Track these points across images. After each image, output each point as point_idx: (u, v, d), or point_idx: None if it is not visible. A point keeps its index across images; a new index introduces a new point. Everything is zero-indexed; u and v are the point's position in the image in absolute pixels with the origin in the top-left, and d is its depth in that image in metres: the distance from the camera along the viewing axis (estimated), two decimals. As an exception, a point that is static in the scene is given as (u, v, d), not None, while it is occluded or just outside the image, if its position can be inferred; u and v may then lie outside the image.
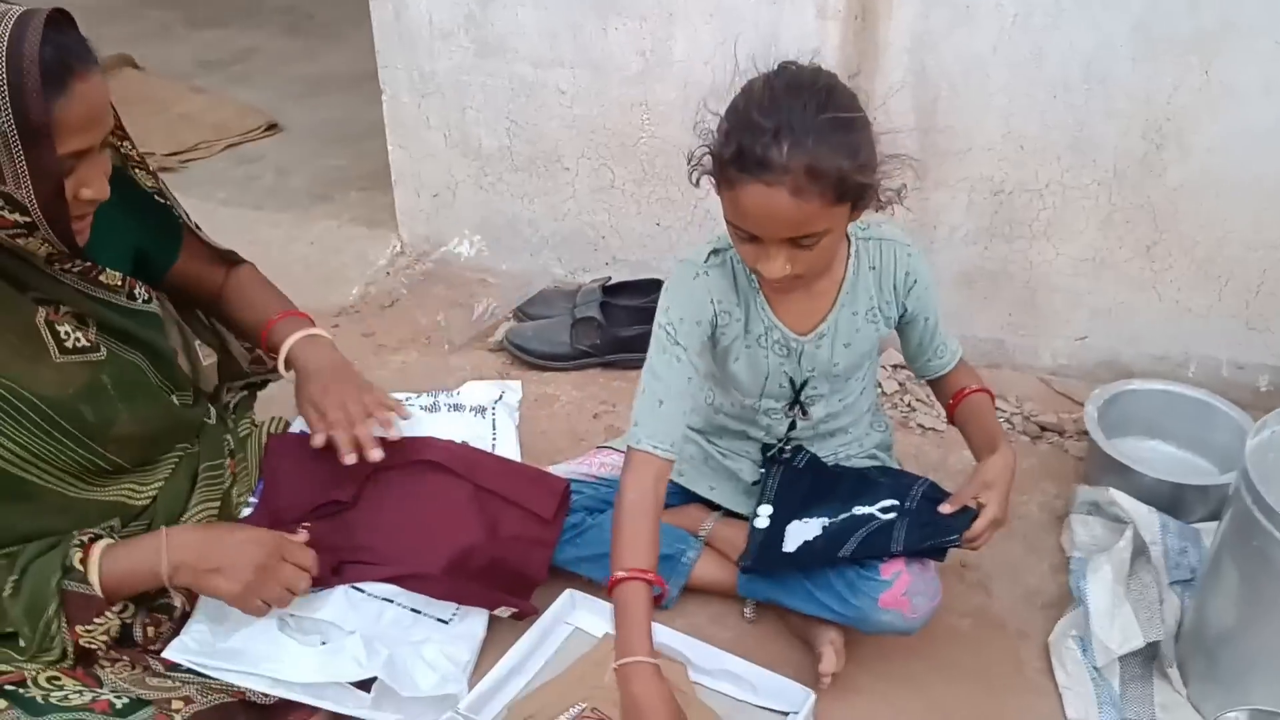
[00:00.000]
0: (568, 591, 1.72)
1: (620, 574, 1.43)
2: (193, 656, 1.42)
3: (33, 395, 1.35)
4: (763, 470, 1.73)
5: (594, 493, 1.76)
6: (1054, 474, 2.04)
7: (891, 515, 1.58)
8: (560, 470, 1.79)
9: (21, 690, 1.33)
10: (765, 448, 1.73)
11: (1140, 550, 1.71)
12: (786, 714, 1.56)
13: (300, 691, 1.45)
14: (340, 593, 1.55)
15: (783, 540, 1.63)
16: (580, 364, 2.36)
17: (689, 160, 1.40)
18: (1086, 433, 1.95)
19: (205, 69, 4.01)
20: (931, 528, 1.54)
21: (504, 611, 1.65)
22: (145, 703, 1.37)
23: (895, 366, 2.29)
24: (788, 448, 1.71)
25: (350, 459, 1.54)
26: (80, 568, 1.37)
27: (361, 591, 1.56)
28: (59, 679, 1.36)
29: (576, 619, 1.71)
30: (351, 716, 1.50)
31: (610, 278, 2.47)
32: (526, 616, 1.66)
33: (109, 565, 1.38)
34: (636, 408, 1.54)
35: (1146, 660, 1.64)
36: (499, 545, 1.62)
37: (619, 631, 1.41)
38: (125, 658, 1.44)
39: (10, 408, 1.34)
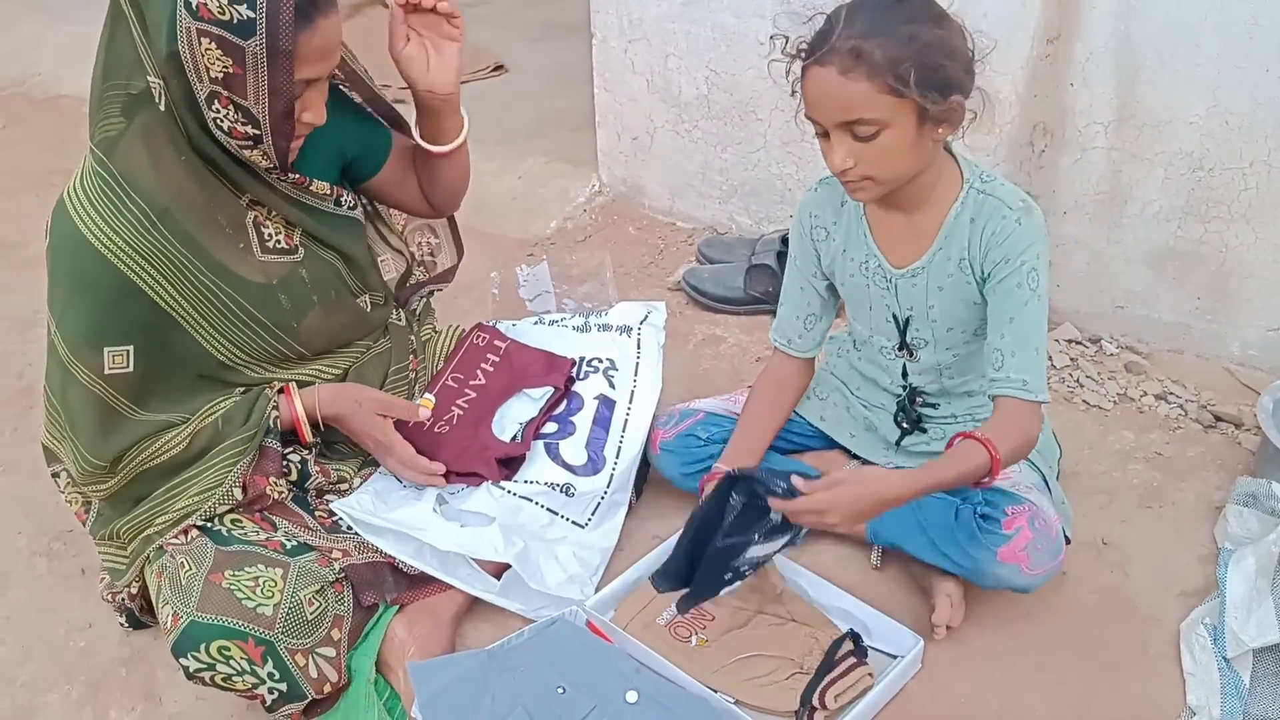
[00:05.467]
0: (701, 516, 1.81)
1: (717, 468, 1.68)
2: (354, 513, 1.61)
3: (234, 290, 1.56)
4: (900, 428, 1.76)
5: (733, 427, 1.83)
6: (1220, 465, 1.95)
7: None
8: (705, 404, 1.87)
9: (210, 525, 1.55)
10: (900, 406, 1.75)
11: (1294, 548, 1.64)
12: (895, 657, 1.60)
13: (437, 567, 1.62)
14: (485, 489, 1.70)
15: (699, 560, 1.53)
16: (752, 309, 2.43)
17: (786, 74, 1.46)
18: (1261, 426, 1.87)
19: (448, 10, 4.26)
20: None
21: None
22: (310, 547, 1.57)
23: (1069, 341, 2.24)
24: (918, 401, 1.73)
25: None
26: (275, 426, 1.61)
27: (502, 489, 1.70)
28: (240, 521, 1.57)
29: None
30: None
31: (792, 229, 2.51)
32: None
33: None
34: None
35: (1285, 660, 1.58)
36: None
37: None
38: (300, 517, 1.64)
39: (217, 301, 1.55)
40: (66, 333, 1.50)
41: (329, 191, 1.64)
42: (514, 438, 1.78)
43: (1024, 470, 1.68)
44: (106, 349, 1.49)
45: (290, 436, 1.65)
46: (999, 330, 1.51)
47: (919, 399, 1.74)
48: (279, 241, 1.60)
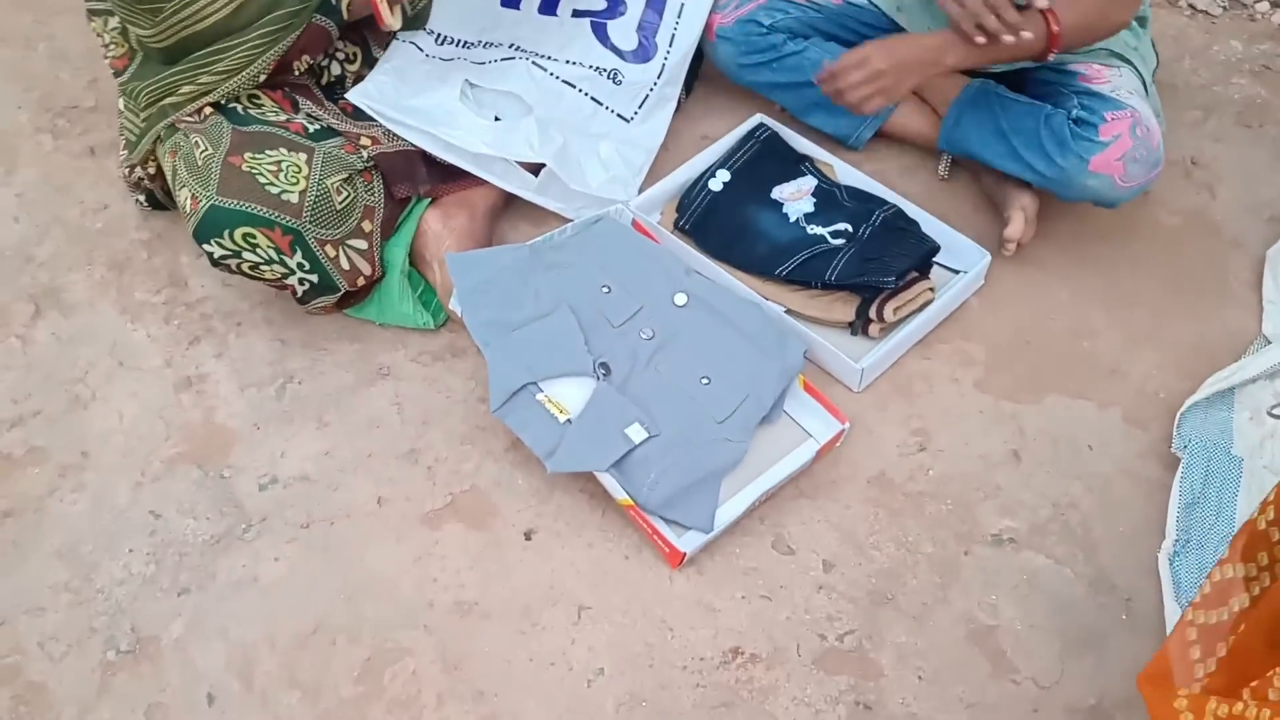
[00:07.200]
0: (757, 116, 1.66)
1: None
2: (373, 103, 1.46)
3: None
4: None
5: (801, 15, 1.64)
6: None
7: (840, 241, 1.49)
8: (770, -14, 1.67)
9: (225, 103, 1.41)
10: None
11: None
12: (958, 272, 1.51)
13: (470, 161, 1.49)
14: (524, 68, 1.54)
15: (729, 215, 1.55)
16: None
17: None
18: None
19: None
20: (874, 264, 1.43)
21: None
22: (335, 132, 1.44)
23: (1181, -61, 1.97)
24: None
25: None
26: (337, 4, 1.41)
27: (544, 70, 1.54)
28: (258, 97, 1.43)
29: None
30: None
31: None
32: None
33: None
34: None
35: (1372, 293, 1.48)
36: None
37: None
38: (322, 101, 1.50)
39: None
40: None
41: None
42: None
43: (1125, 73, 1.51)
44: None
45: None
46: None
47: None
48: None
